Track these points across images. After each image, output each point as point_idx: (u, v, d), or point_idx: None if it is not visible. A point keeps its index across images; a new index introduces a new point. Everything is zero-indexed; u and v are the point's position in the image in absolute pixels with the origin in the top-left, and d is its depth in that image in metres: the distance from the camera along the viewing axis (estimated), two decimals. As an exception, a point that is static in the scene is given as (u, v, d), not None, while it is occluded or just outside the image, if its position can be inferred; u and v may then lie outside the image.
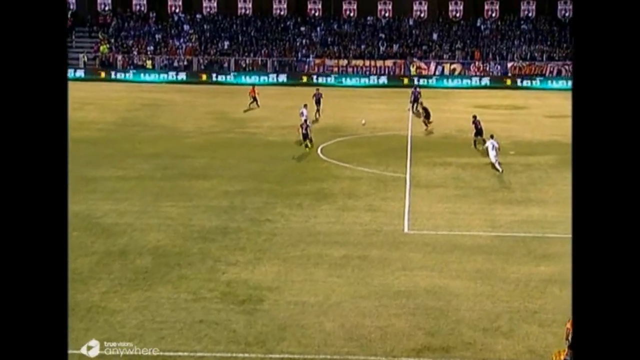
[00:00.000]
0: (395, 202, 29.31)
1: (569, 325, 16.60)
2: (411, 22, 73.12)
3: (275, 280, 21.58)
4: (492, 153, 33.65)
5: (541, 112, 52.16)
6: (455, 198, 30.03)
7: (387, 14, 73.59)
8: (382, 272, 22.16)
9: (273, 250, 23.98)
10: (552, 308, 19.55)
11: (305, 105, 42.40)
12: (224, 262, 22.84)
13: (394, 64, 67.55)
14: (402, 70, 67.37)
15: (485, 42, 70.73)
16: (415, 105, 48.65)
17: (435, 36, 71.64)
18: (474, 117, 39.93)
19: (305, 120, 40.20)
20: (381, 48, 70.19)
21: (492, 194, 30.70)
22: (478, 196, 30.30)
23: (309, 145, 38.32)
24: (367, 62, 67.73)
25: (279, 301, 20.08)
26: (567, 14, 72.29)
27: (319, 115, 45.66)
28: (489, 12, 72.79)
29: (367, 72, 67.03)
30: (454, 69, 67.44)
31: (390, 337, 18.09)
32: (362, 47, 70.20)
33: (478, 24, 72.56)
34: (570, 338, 16.41)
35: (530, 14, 72.48)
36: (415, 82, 61.45)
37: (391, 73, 67.13)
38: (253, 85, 55.45)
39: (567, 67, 66.48)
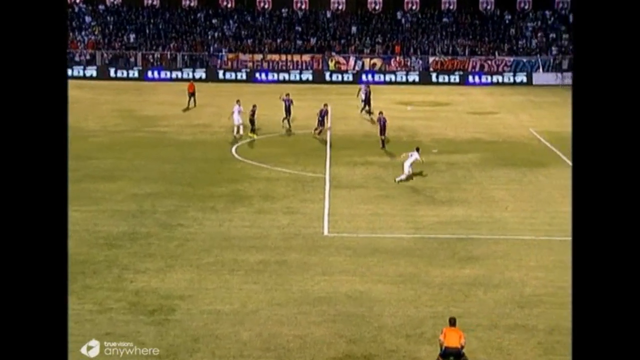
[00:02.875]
0: (314, 204, 29.41)
1: (441, 337, 16.87)
2: (329, 15, 73.50)
3: (187, 288, 21.38)
4: (407, 163, 33.14)
5: (464, 108, 53.13)
6: (376, 199, 30.31)
7: (303, 6, 73.79)
8: (301, 278, 22.20)
9: (185, 257, 23.76)
10: (476, 312, 19.91)
11: (238, 101, 42.14)
12: (132, 270, 22.52)
13: (312, 58, 67.79)
14: (320, 65, 67.67)
15: (406, 35, 71.63)
16: (367, 105, 48.36)
17: (354, 29, 72.19)
18: (380, 113, 40.30)
19: (254, 113, 41.38)
20: (298, 42, 70.35)
21: (414, 194, 31.10)
22: (400, 197, 30.66)
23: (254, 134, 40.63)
24: (284, 57, 67.78)
25: (192, 310, 19.90)
26: (489, 7, 73.78)
27: (289, 124, 43.71)
28: (409, 5, 73.73)
29: (284, 67, 67.09)
30: (374, 64, 68.09)
31: (309, 346, 18.13)
32: (278, 41, 70.23)
33: (398, 17, 73.42)
34: (443, 348, 16.67)
35: (451, 7, 73.71)
36: (364, 79, 61.75)
37: (309, 68, 67.35)
38: (191, 81, 54.73)
39: (489, 62, 67.88)
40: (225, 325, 19.14)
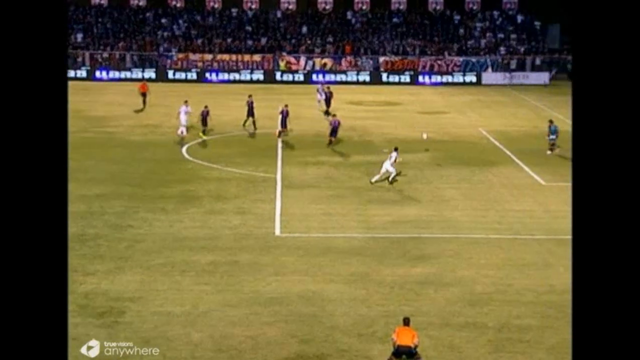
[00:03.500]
0: (266, 204, 29.36)
1: (394, 336, 16.99)
2: (279, 15, 73.45)
3: (138, 290, 21.20)
4: (386, 164, 33.08)
5: (414, 108, 53.48)
6: (328, 199, 30.36)
7: (253, 6, 73.63)
8: (253, 278, 22.15)
9: (135, 258, 23.55)
10: (427, 310, 20.06)
11: (186, 102, 41.80)
12: (81, 272, 22.25)
13: (262, 58, 67.67)
14: (271, 65, 67.58)
15: (356, 35, 71.88)
16: (327, 108, 47.76)
17: (304, 29, 72.24)
18: (334, 116, 40.21)
19: (207, 113, 41.19)
20: (248, 42, 70.17)
21: (366, 193, 31.20)
22: (352, 196, 30.74)
23: (206, 134, 40.65)
24: (234, 57, 67.56)
25: (142, 312, 19.73)
26: (438, 7, 74.36)
27: (255, 126, 43.31)
28: (360, 5, 74.00)
29: (234, 67, 66.86)
30: (325, 64, 68.20)
31: (262, 347, 18.09)
32: (228, 40, 69.98)
33: (348, 17, 73.65)
34: (396, 347, 16.80)
35: (401, 7, 74.15)
36: (321, 79, 61.57)
37: (259, 68, 67.22)
38: (143, 81, 54.04)
39: (439, 62, 68.42)
40: (176, 326, 19.02)
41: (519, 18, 74.82)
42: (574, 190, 5.80)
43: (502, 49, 70.94)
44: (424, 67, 68.23)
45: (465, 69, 68.36)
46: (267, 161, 36.32)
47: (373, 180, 32.60)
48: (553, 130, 37.90)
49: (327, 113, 47.21)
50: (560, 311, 20.06)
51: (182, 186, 31.70)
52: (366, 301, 20.72)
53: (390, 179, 32.81)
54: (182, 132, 40.62)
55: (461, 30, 73.03)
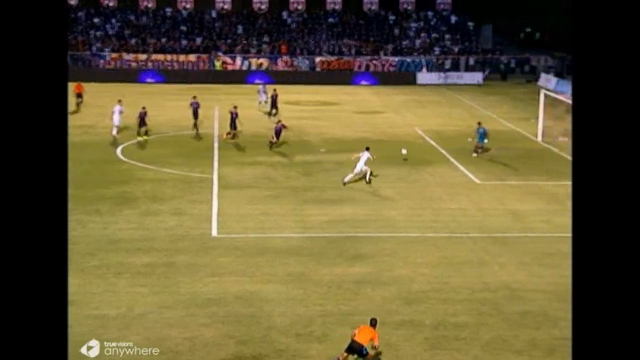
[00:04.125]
0: (202, 205, 29.19)
1: (355, 331, 17.15)
2: (214, 15, 73.10)
3: (72, 293, 20.85)
4: (359, 164, 33.09)
5: (351, 108, 53.72)
6: (265, 199, 30.32)
7: (188, 6, 73.15)
8: (189, 280, 22.00)
9: (69, 261, 23.16)
10: (365, 309, 20.16)
11: (120, 101, 41.20)
12: (13, 277, 21.82)
13: (198, 58, 67.26)
14: (206, 65, 67.21)
15: (292, 35, 71.93)
16: (273, 109, 47.13)
17: (240, 29, 72.02)
18: (279, 122, 39.88)
19: (145, 114, 40.48)
20: (183, 42, 69.67)
21: (303, 193, 31.24)
22: (289, 196, 30.75)
23: (142, 135, 40.26)
24: (169, 57, 67.00)
25: (77, 315, 19.45)
26: (373, 8, 74.86)
27: (197, 128, 42.70)
28: (295, 5, 74.07)
29: (169, 67, 66.31)
30: (261, 64, 68.09)
31: (199, 348, 17.99)
32: (163, 40, 69.38)
33: (284, 17, 73.66)
34: (350, 342, 16.96)
35: (336, 7, 74.44)
36: (259, 81, 61.15)
37: (195, 68, 66.80)
38: (78, 81, 52.98)
39: (374, 62, 68.86)
40: (112, 329, 18.79)
41: (453, 18, 75.76)
42: (574, 190, 5.86)
43: (437, 49, 71.73)
44: (359, 67, 68.60)
45: (400, 68, 68.94)
46: (203, 162, 36.11)
47: (345, 180, 32.60)
48: (482, 133, 37.72)
49: (269, 114, 46.98)
50: (495, 308, 20.38)
51: (117, 187, 31.33)
52: (304, 301, 20.76)
53: (367, 178, 32.94)
54: (116, 133, 40.14)
55: (396, 31, 73.62)
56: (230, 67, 67.42)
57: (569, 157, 38.02)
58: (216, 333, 18.73)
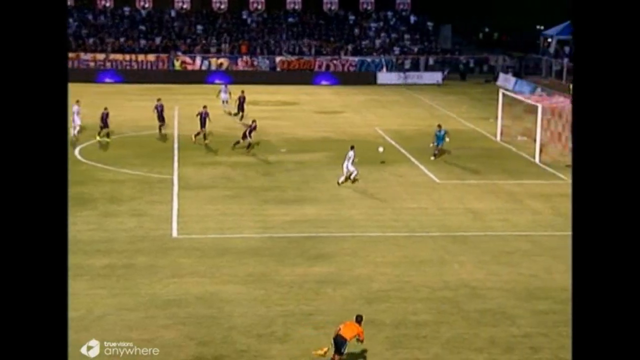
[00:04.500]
0: (162, 206, 29.04)
1: (341, 325, 17.26)
2: (173, 14, 72.72)
3: (30, 296, 20.65)
4: (346, 164, 33.20)
5: (311, 107, 53.78)
6: (225, 199, 30.24)
7: (146, 5, 72.67)
8: (149, 281, 21.88)
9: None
10: (326, 309, 20.22)
11: (78, 102, 40.79)
12: (-31, 280, 21.53)
13: (157, 58, 66.85)
14: (166, 65, 66.84)
15: (252, 35, 71.80)
16: (241, 112, 46.47)
17: (199, 29, 71.72)
18: (253, 121, 39.51)
19: (107, 115, 39.97)
20: (142, 41, 69.21)
21: (263, 193, 31.21)
22: (249, 196, 30.71)
23: (102, 137, 39.95)
24: (127, 57, 66.51)
25: (35, 319, 19.25)
26: (333, 7, 74.97)
27: (162, 131, 42.27)
28: (255, 5, 73.94)
29: (128, 67, 65.84)
30: (221, 64, 67.87)
31: (159, 350, 17.90)
32: (121, 40, 68.86)
33: (244, 17, 73.51)
34: (334, 335, 17.09)
35: (296, 7, 74.45)
36: (219, 81, 60.67)
37: (154, 68, 66.40)
38: None
39: (335, 62, 68.98)
40: (70, 332, 18.58)
41: (412, 18, 76.15)
42: (574, 190, 5.90)
43: (396, 49, 72.05)
44: (320, 66, 68.68)
45: (360, 68, 69.15)
46: (163, 162, 35.91)
47: (340, 181, 32.60)
48: (441, 136, 37.39)
49: (236, 115, 46.66)
50: (455, 306, 20.54)
51: (76, 188, 31.02)
52: (265, 301, 20.75)
53: (352, 177, 32.96)
54: (77, 133, 39.77)
55: (356, 31, 73.82)
56: (189, 67, 67.11)
57: (527, 156, 38.46)
58: (176, 334, 18.65)
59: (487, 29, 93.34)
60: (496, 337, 18.85)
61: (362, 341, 17.29)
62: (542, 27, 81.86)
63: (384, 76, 68.19)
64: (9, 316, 4.91)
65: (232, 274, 22.58)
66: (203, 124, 39.82)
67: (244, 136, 38.41)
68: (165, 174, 33.75)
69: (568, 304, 20.72)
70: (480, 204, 30.32)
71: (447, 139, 37.57)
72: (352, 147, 33.42)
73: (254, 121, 39.16)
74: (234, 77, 63.81)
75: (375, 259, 24.05)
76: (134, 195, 30.33)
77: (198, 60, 67.50)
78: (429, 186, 32.90)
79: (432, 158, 37.22)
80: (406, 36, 74.16)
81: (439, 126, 38.23)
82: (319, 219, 28.03)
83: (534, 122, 39.35)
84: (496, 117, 44.12)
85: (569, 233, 27.53)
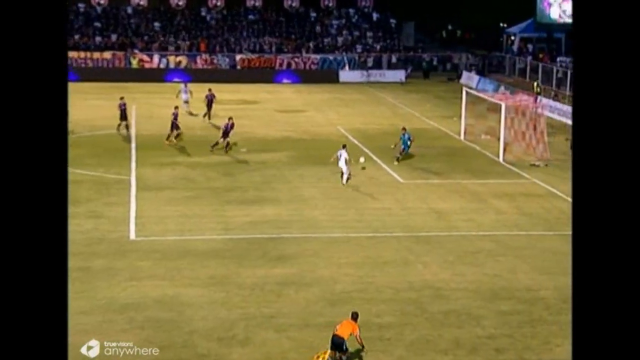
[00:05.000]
0: (119, 207, 28.85)
1: (337, 326, 17.47)
2: (130, 11, 72.23)
3: (-18, 301, 20.41)
4: (341, 163, 33.13)
5: (272, 106, 53.75)
6: (185, 200, 30.13)
7: (102, 1, 72.10)
8: (107, 284, 21.74)
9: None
10: (288, 312, 20.23)
11: None
12: None
13: (113, 55, 66.38)
14: (122, 62, 66.38)
15: (211, 33, 71.56)
16: (209, 112, 46.16)
17: (157, 26, 71.32)
18: (230, 118, 39.26)
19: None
20: (97, 38, 68.66)
21: (224, 194, 31.15)
22: (210, 197, 30.62)
23: None
24: (82, 54, 65.95)
25: (-12, 325, 19.04)
26: (294, 4, 74.99)
27: (128, 130, 42.18)
28: (214, 1, 73.70)
29: (83, 65, 65.27)
30: (180, 62, 67.57)
31: (117, 355, 17.80)
32: (76, 37, 68.25)
33: (203, 14, 73.23)
34: (332, 336, 17.29)
35: (257, 4, 74.35)
36: (178, 79, 60.19)
37: (110, 66, 65.91)
38: None
39: (296, 60, 69.00)
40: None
41: (375, 16, 76.42)
42: (574, 190, 5.96)
43: (359, 47, 72.26)
44: (281, 64, 68.66)
45: (322, 66, 69.24)
46: (120, 162, 35.68)
47: (344, 182, 32.79)
48: (406, 140, 36.78)
49: (205, 115, 46.38)
50: (419, 307, 20.67)
51: (30, 190, 30.70)
52: (226, 304, 20.71)
53: (344, 179, 33.09)
54: None
55: (318, 28, 73.92)
56: (147, 65, 66.71)
57: (491, 155, 38.80)
58: (135, 339, 18.54)
59: (450, 27, 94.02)
60: (461, 339, 19.00)
61: (359, 340, 17.43)
62: (505, 25, 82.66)
63: (346, 74, 68.34)
64: (9, 317, 5.08)
65: (192, 277, 22.50)
66: (175, 126, 39.63)
67: (224, 135, 38.22)
68: (122, 175, 33.53)
69: (532, 304, 21.02)
70: (444, 203, 30.53)
71: (409, 143, 37.02)
72: (343, 146, 33.78)
73: (230, 119, 38.98)
74: (193, 76, 63.53)
75: (338, 260, 24.11)
76: (90, 197, 30.09)
77: (156, 58, 67.12)
78: (392, 186, 33.06)
79: (396, 163, 36.41)
80: (368, 34, 74.40)
81: (404, 129, 37.62)
82: (280, 219, 28.04)
83: (497, 120, 39.70)
84: (460, 116, 44.45)
85: (533, 233, 28.03)
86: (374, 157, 38.00)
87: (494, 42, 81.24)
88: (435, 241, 26.03)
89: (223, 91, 59.29)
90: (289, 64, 68.84)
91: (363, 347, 17.72)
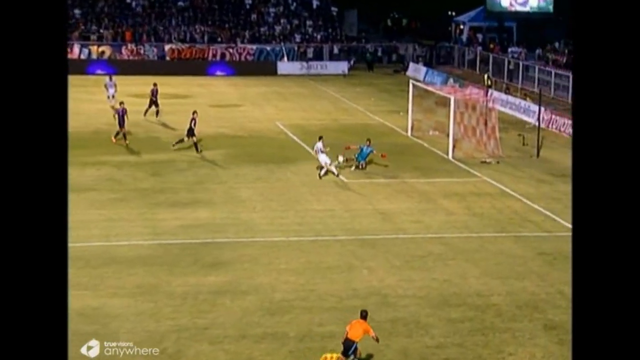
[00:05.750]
0: (37, 211, 28.40)
1: (347, 327, 17.72)
2: (49, -4, 71.21)
3: None
4: (321, 157, 33.49)
5: (205, 101, 53.49)
6: (111, 203, 29.82)
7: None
8: (24, 296, 21.37)
9: None
10: (223, 322, 20.13)
11: None
12: None
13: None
14: (41, 53, 65.41)
15: (137, 21, 70.94)
16: (154, 106, 45.75)
17: (77, 13, 70.43)
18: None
19: None
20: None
21: (153, 196, 30.90)
22: (138, 199, 30.35)
23: None
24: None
25: None
26: (229, -9, 74.71)
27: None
28: (142, -13, 73.08)
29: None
30: (103, 52, 66.84)
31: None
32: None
33: (128, 1, 72.54)
34: (343, 340, 17.54)
35: (188, -10, 73.94)
36: (101, 72, 59.51)
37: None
38: None
39: (230, 51, 68.77)
40: None
41: (315, 3, 76.53)
42: (574, 190, 6.02)
43: (298, 37, 72.30)
44: (214, 55, 68.36)
45: (259, 57, 69.11)
46: (38, 162, 35.13)
47: (335, 173, 33.54)
48: (365, 154, 35.27)
49: (149, 112, 45.88)
50: (365, 316, 20.71)
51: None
52: (155, 315, 20.52)
53: (321, 173, 33.60)
54: None
55: (253, 16, 73.77)
56: (68, 55, 65.77)
57: (440, 152, 39.13)
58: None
59: (395, 15, 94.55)
60: (409, 349, 19.10)
61: (376, 339, 17.69)
62: (453, 14, 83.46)
63: (284, 66, 68.34)
64: (8, 317, 5.32)
65: (118, 286, 22.27)
66: (122, 123, 39.13)
67: (190, 133, 37.81)
68: (41, 176, 33.02)
69: (483, 311, 21.24)
70: (391, 204, 30.69)
71: (368, 154, 35.54)
72: (320, 138, 34.40)
73: (194, 112, 38.61)
74: (118, 67, 62.89)
75: (277, 266, 24.08)
76: (5, 200, 29.57)
77: (76, 48, 66.26)
78: (335, 186, 33.13)
79: (352, 168, 35.38)
80: (308, 22, 74.47)
81: (368, 141, 36.05)
82: (214, 223, 27.91)
83: (446, 115, 40.06)
84: (406, 111, 44.74)
85: (485, 234, 28.31)
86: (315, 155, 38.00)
87: (442, 32, 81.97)
88: (382, 245, 26.14)
89: (151, 84, 58.80)
90: (222, 55, 68.56)
91: (377, 340, 17.94)
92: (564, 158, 38.37)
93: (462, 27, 78.61)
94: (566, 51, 61.51)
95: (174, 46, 68.20)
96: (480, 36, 75.20)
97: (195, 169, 35.07)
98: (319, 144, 34.09)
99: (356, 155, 35.64)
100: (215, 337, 19.21)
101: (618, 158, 5.82)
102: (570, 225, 29.11)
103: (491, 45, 70.54)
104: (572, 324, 6.14)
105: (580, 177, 5.86)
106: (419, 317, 20.73)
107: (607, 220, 5.79)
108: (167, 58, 67.59)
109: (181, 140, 38.05)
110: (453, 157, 38.14)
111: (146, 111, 45.82)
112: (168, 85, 59.15)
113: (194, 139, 37.90)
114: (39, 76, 5.26)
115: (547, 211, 29.74)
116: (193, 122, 37.89)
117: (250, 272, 23.50)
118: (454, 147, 38.65)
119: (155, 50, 67.68)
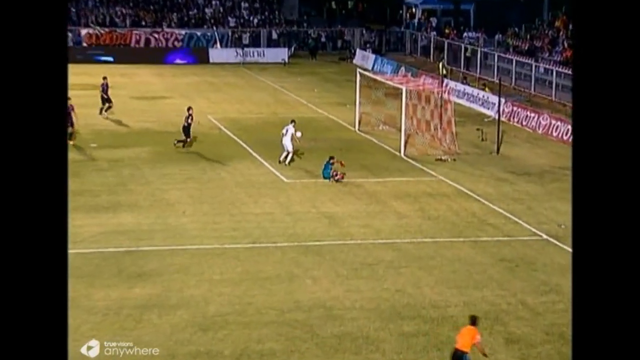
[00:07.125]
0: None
1: (458, 336, 18.04)
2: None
3: None
4: (286, 140, 34.93)
5: (128, 92, 53.17)
6: (20, 207, 29.51)
7: None
8: None
9: None
10: (150, 340, 20.06)
11: None
12: None
13: None
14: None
15: (51, 2, 70.26)
16: (108, 103, 45.54)
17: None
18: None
19: None
20: None
21: (71, 199, 30.55)
22: (51, 203, 30.07)
23: None
24: None
25: None
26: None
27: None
28: (55, -36, 72.45)
29: None
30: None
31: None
32: None
33: (41, -21, 71.85)
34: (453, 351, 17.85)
35: (108, -32, 73.46)
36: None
37: None
38: None
39: (156, 36, 68.45)
40: None
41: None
42: (574, 191, 6.21)
43: (232, 20, 72.20)
44: (137, 41, 67.99)
45: (188, 43, 68.87)
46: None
47: (286, 161, 34.90)
48: (329, 170, 33.82)
49: (109, 108, 45.42)
50: (308, 331, 20.79)
51: None
52: (72, 334, 20.35)
53: (287, 159, 34.27)
54: None
55: (182, -3, 73.52)
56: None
57: (391, 149, 39.35)
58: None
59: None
60: (357, 366, 19.21)
61: (480, 348, 17.96)
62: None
63: (217, 53, 68.21)
64: (8, 317, 5.60)
65: (31, 301, 22.07)
66: (70, 122, 38.56)
67: (187, 132, 38.02)
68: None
69: (439, 324, 21.47)
70: (337, 207, 30.81)
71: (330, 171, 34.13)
72: (292, 121, 35.53)
73: (189, 109, 38.88)
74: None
75: (211, 276, 24.05)
76: None
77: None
78: (275, 187, 33.16)
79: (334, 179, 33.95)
80: (243, 5, 74.42)
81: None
82: (140, 229, 27.78)
83: (397, 108, 40.28)
84: (353, 103, 44.91)
85: (440, 239, 28.61)
86: (253, 153, 38.04)
87: (392, 16, 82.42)
88: (327, 251, 26.24)
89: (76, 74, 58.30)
90: (147, 41, 68.19)
91: (486, 355, 18.18)
92: (526, 154, 38.89)
93: (414, 10, 79.14)
94: (528, 37, 62.21)
95: (91, 30, 67.67)
96: (434, 20, 75.76)
97: (117, 169, 34.86)
98: (290, 127, 35.52)
99: (323, 172, 34.29)
100: (141, 358, 19.14)
101: (618, 158, 6.03)
102: (533, 229, 29.55)
103: (446, 30, 71.07)
104: (572, 327, 6.38)
105: (580, 177, 6.06)
106: (369, 332, 20.86)
107: (607, 220, 6.02)
108: (84, 44, 67.03)
109: (184, 141, 37.97)
110: (405, 154, 38.38)
111: (101, 110, 45.44)
112: (84, 74, 58.57)
113: (188, 138, 38.35)
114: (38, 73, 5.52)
115: (508, 213, 30.09)
116: (190, 118, 37.99)
117: (180, 284, 23.45)
118: (406, 143, 38.88)
119: (70, 35, 67.03)
